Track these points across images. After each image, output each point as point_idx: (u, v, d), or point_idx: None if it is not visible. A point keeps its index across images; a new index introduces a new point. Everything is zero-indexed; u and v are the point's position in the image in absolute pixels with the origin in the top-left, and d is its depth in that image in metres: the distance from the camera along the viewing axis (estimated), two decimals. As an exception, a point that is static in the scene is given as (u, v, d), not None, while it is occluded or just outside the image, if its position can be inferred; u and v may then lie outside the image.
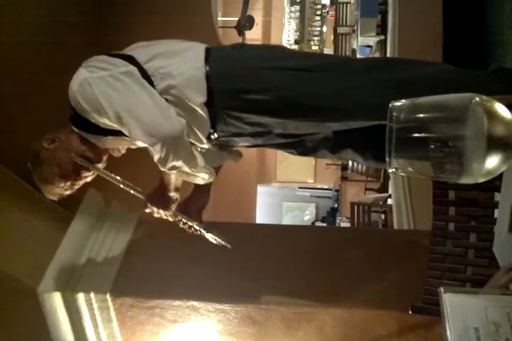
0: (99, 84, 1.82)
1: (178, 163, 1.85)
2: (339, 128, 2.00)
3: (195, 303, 2.34)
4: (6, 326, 2.42)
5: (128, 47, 2.02)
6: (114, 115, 1.81)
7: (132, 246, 2.54)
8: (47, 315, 2.39)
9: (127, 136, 1.92)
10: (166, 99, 1.87)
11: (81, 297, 2.37)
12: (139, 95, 1.83)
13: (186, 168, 1.90)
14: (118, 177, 2.04)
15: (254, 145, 2.20)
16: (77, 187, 2.05)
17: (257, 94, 1.89)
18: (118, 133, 1.93)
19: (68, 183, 2.00)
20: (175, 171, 1.91)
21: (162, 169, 1.89)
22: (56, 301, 2.37)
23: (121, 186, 2.04)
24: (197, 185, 2.26)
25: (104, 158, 2.06)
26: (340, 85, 1.92)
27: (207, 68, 1.89)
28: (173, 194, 2.07)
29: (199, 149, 2.05)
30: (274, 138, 2.06)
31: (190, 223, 2.12)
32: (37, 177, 2.02)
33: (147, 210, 2.08)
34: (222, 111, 1.93)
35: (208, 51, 1.95)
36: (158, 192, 2.07)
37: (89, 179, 2.06)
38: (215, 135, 2.01)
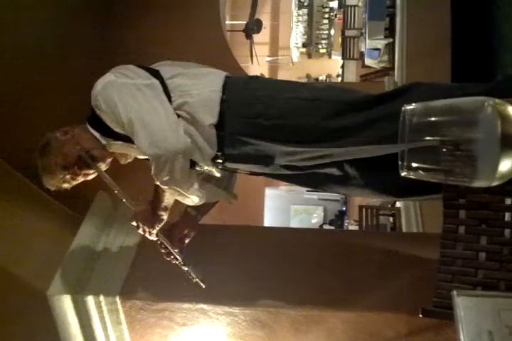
0: (121, 89, 1.92)
1: (173, 179, 1.91)
2: (342, 159, 1.99)
3: (204, 306, 2.34)
4: (15, 329, 2.43)
5: (155, 63, 2.12)
6: (126, 120, 1.89)
7: (141, 248, 2.54)
8: (56, 317, 2.40)
9: (135, 144, 1.97)
10: (180, 115, 1.96)
11: (90, 299, 2.38)
12: (155, 108, 1.91)
13: (179, 186, 1.96)
14: (115, 183, 2.08)
15: (260, 174, 2.21)
16: (75, 182, 2.10)
17: (266, 120, 1.96)
18: (128, 140, 1.99)
19: (68, 176, 2.05)
20: (167, 187, 1.96)
21: (156, 182, 1.95)
22: (66, 304, 2.38)
23: (116, 192, 2.09)
24: (186, 214, 2.31)
25: (108, 160, 2.12)
26: (345, 117, 1.95)
27: (223, 93, 1.98)
28: (161, 213, 2.11)
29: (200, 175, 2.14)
30: (279, 168, 2.08)
31: (170, 249, 2.16)
32: (40, 164, 2.07)
33: (133, 223, 2.14)
34: (231, 136, 1.98)
35: (226, 78, 2.04)
36: (148, 207, 2.13)
37: (89, 177, 2.11)
38: (222, 158, 2.05)
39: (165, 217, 2.12)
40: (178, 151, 1.86)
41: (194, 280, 2.16)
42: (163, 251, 2.18)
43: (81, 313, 2.40)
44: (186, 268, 2.16)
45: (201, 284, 2.16)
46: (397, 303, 2.23)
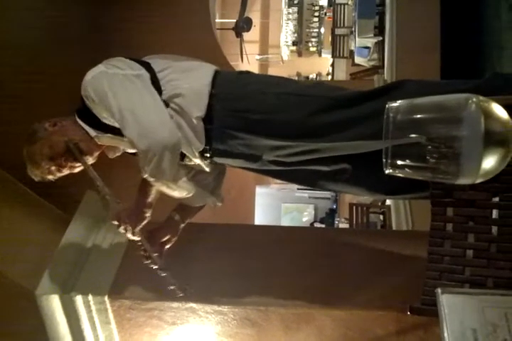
0: (111, 79, 1.92)
1: (161, 172, 1.89)
2: (329, 154, 1.99)
3: (194, 305, 2.34)
4: (3, 329, 2.42)
5: (146, 56, 2.12)
6: (116, 110, 1.88)
7: (130, 247, 2.53)
8: (45, 317, 2.39)
9: (125, 137, 1.96)
10: (170, 107, 1.97)
11: (79, 299, 2.36)
12: (145, 99, 1.91)
13: (167, 179, 1.94)
14: (100, 178, 2.04)
15: (248, 169, 2.21)
16: (59, 174, 2.07)
17: (255, 114, 1.96)
18: (117, 132, 1.98)
19: (53, 168, 2.03)
20: (154, 179, 1.93)
21: (144, 175, 1.92)
22: (54, 304, 2.37)
23: (99, 187, 2.05)
24: (169, 219, 2.29)
25: (96, 153, 2.10)
26: (332, 113, 1.95)
27: (212, 87, 1.99)
28: (146, 209, 2.08)
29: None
30: (267, 164, 2.08)
31: (149, 252, 2.10)
32: (26, 154, 2.04)
33: (114, 222, 2.07)
34: (219, 129, 1.99)
35: (216, 73, 2.05)
36: (132, 205, 2.09)
37: (75, 170, 2.08)
38: (210, 152, 2.05)
39: (148, 214, 2.08)
40: (168, 144, 1.85)
41: (171, 288, 2.10)
42: (141, 253, 2.12)
43: (69, 313, 2.38)
44: (164, 274, 2.10)
45: (178, 292, 2.10)
46: (387, 301, 2.23)
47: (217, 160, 2.11)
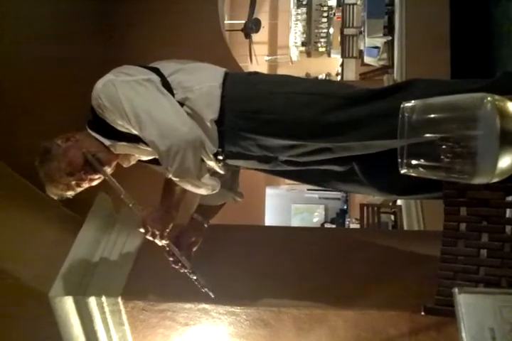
0: (122, 86, 1.92)
1: (186, 169, 1.88)
2: (342, 154, 1.98)
3: (207, 306, 2.34)
4: (17, 331, 2.43)
5: (152, 62, 2.11)
6: (132, 114, 1.88)
7: (143, 249, 2.54)
8: (58, 319, 2.40)
9: (140, 144, 1.98)
10: (184, 110, 1.95)
11: (92, 301, 2.37)
12: (159, 100, 1.91)
13: (192, 177, 1.93)
14: (121, 188, 2.04)
15: (261, 170, 2.21)
16: (79, 189, 2.06)
17: (265, 115, 1.96)
18: (132, 140, 1.99)
19: (73, 182, 2.01)
20: (178, 179, 1.93)
21: (168, 175, 1.93)
22: (67, 305, 2.38)
23: (122, 196, 2.04)
24: (192, 221, 2.30)
25: (113, 163, 2.09)
26: (343, 111, 1.94)
27: (223, 89, 1.98)
28: (172, 211, 2.08)
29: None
30: (280, 164, 2.08)
31: (178, 256, 2.11)
32: (43, 173, 2.02)
33: (141, 230, 2.06)
34: (231, 131, 1.98)
35: (226, 74, 2.05)
36: (157, 209, 2.08)
37: (94, 183, 2.07)
38: (223, 155, 2.05)
39: (175, 215, 2.08)
40: (189, 140, 1.85)
41: (203, 290, 2.10)
42: (170, 259, 2.13)
43: (83, 314, 2.39)
44: (195, 277, 2.11)
45: (210, 294, 2.09)
46: (399, 301, 2.23)
47: (230, 162, 2.10)
